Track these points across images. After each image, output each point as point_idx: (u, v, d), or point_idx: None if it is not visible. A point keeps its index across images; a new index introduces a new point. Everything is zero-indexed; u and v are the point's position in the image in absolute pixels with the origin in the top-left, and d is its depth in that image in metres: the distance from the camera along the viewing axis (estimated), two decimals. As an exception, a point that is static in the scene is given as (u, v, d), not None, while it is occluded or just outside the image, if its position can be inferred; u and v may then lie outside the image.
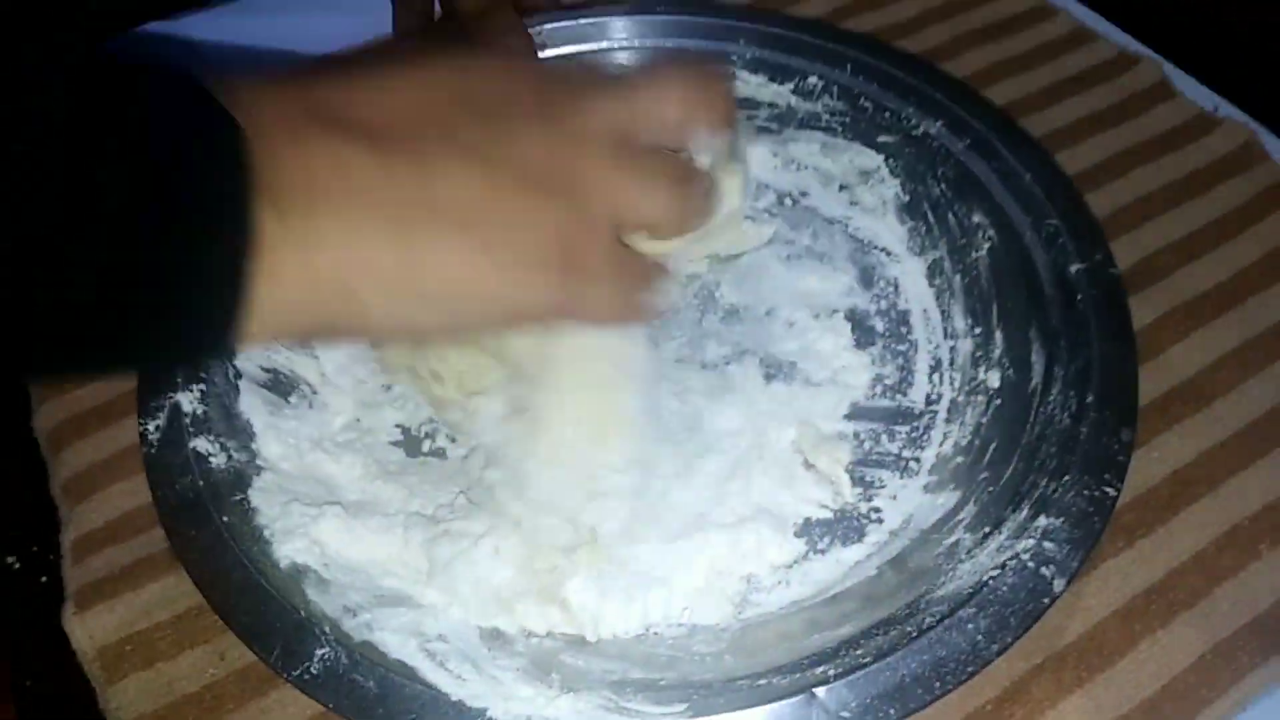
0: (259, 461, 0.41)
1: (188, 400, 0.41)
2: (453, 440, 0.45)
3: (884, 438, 0.44)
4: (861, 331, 0.48)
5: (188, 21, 0.63)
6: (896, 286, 0.49)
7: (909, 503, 0.42)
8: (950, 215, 0.48)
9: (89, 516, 0.43)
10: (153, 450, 0.39)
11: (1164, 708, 0.37)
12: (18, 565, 0.44)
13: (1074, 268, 0.42)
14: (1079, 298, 0.41)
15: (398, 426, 0.46)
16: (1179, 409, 0.44)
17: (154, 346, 0.29)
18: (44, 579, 0.43)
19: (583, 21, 0.54)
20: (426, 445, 0.45)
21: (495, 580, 0.39)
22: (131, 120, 0.26)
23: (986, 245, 0.46)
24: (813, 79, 0.51)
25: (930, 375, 0.46)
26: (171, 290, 0.26)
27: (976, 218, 0.47)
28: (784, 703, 0.32)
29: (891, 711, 0.32)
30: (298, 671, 0.33)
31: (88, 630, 0.39)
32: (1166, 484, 0.42)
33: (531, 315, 0.34)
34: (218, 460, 0.40)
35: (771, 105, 0.53)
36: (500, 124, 0.31)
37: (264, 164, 0.27)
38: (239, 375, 0.43)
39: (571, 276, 0.32)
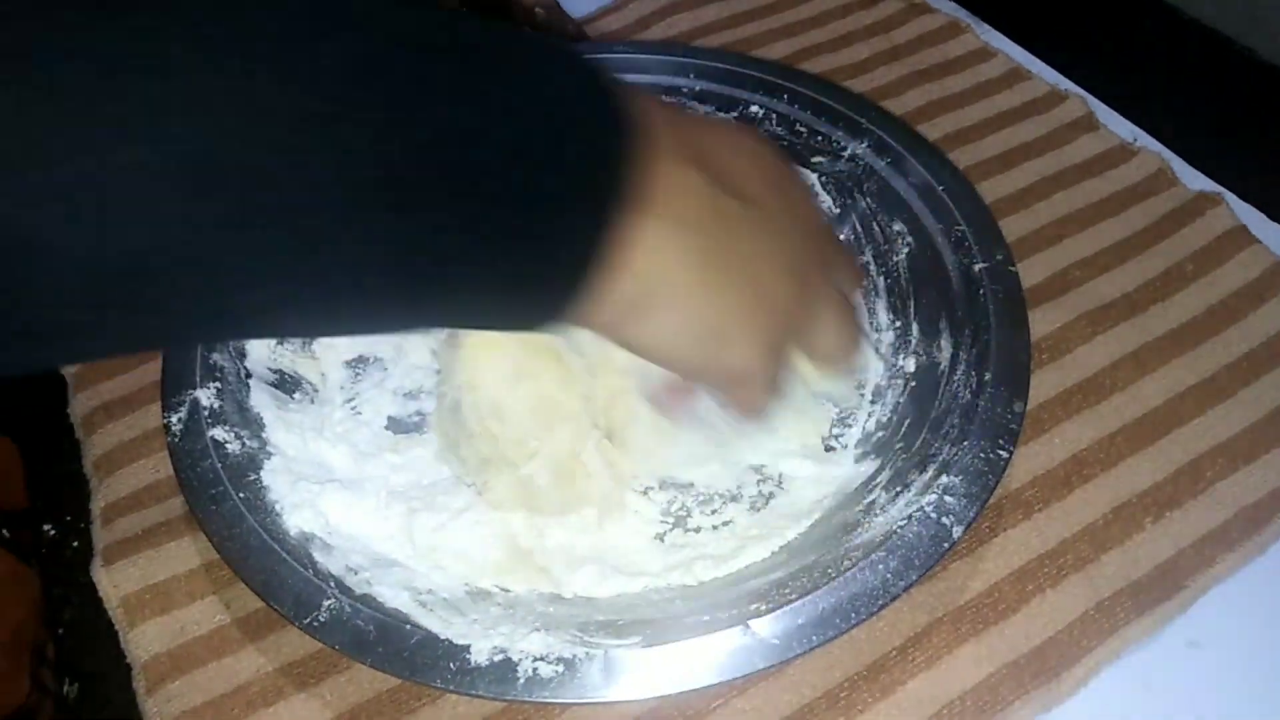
0: (269, 448, 0.46)
1: (205, 396, 0.46)
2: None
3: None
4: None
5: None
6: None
7: (838, 472, 0.47)
8: (874, 224, 0.54)
9: (116, 488, 0.49)
10: (176, 439, 0.45)
11: (1049, 655, 0.42)
12: (53, 532, 0.50)
13: (978, 266, 0.48)
14: (981, 292, 0.47)
15: (389, 417, 0.51)
16: (1079, 401, 0.50)
17: (499, 301, 0.29)
18: (76, 544, 0.49)
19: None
20: (414, 433, 0.50)
21: (475, 553, 0.44)
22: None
23: (905, 250, 0.52)
24: (754, 108, 0.57)
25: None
26: (533, 243, 0.27)
27: (897, 226, 0.53)
28: (723, 633, 0.37)
29: (814, 637, 0.37)
30: (307, 620, 0.38)
31: (113, 581, 0.45)
32: (1064, 466, 0.47)
33: (752, 370, 0.34)
34: (233, 447, 0.45)
35: (718, 133, 0.59)
36: (786, 213, 0.35)
37: (643, 166, 0.28)
38: (249, 375, 0.49)
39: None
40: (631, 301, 0.30)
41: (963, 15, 0.72)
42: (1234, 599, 0.43)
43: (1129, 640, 0.42)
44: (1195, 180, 0.60)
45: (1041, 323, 0.52)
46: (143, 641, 0.44)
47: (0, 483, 0.53)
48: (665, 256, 0.30)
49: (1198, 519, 0.45)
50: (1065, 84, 0.66)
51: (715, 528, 0.46)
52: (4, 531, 0.51)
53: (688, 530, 0.46)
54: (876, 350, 0.48)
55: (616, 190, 0.28)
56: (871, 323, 0.53)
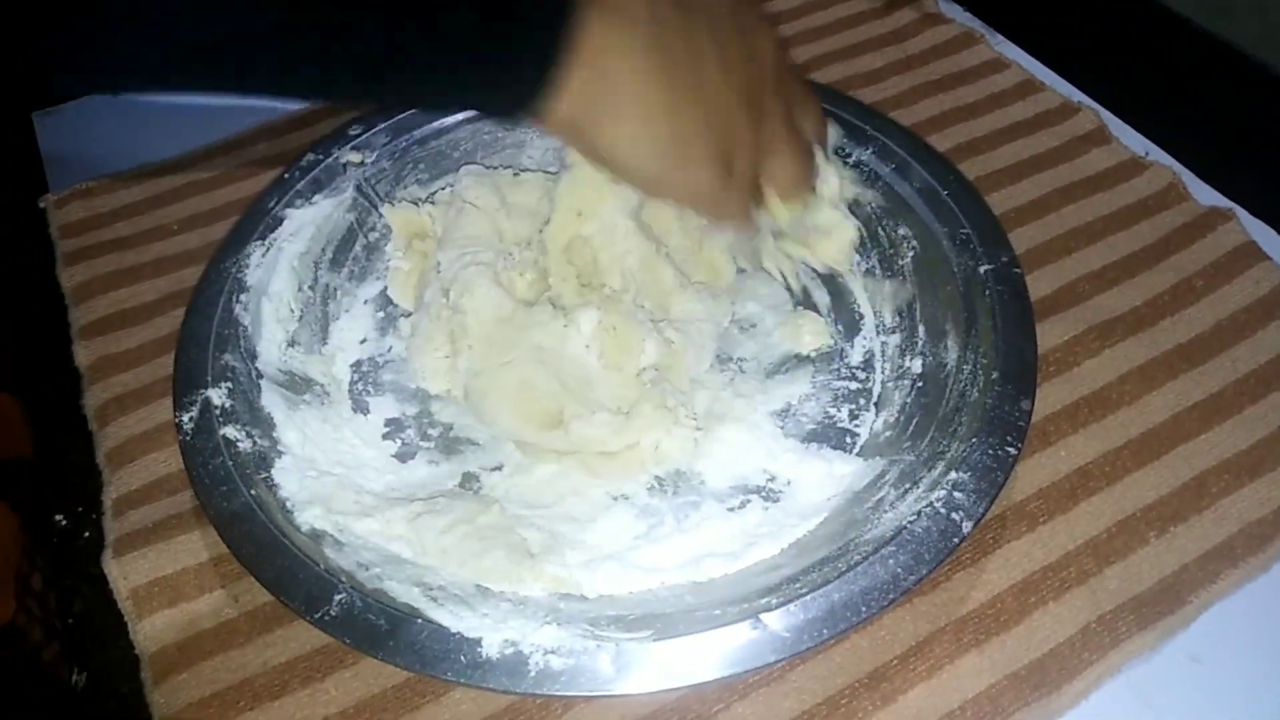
0: (280, 447, 0.46)
1: (217, 395, 0.46)
2: (442, 432, 0.51)
3: (825, 423, 0.50)
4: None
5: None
6: (837, 292, 0.56)
7: (847, 471, 0.47)
8: (880, 229, 0.54)
9: (128, 480, 0.50)
10: (187, 437, 0.45)
11: (1050, 667, 0.42)
12: (64, 522, 0.50)
13: (983, 268, 0.48)
14: (987, 293, 0.47)
15: (394, 419, 0.52)
16: (1086, 415, 0.50)
17: (478, 78, 0.34)
18: (87, 534, 0.49)
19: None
20: (415, 436, 0.51)
21: (485, 559, 0.43)
22: None
23: (910, 253, 0.52)
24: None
25: (865, 367, 0.52)
26: (500, 35, 0.32)
27: (902, 230, 0.53)
28: (734, 626, 0.37)
29: (824, 631, 0.37)
30: (319, 614, 0.38)
31: (123, 572, 0.46)
32: (1069, 479, 0.48)
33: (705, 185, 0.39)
34: (244, 445, 0.45)
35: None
36: (742, 42, 0.38)
37: None
38: (261, 375, 0.49)
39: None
40: (591, 99, 0.34)
41: (977, 26, 0.72)
42: (1237, 615, 0.43)
43: (1130, 654, 0.42)
44: (1206, 195, 0.60)
45: (1049, 335, 0.52)
46: (151, 633, 0.44)
47: (4, 434, 0.54)
48: (618, 55, 0.34)
49: (1202, 534, 0.45)
50: (1078, 96, 0.67)
51: (725, 523, 0.46)
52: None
53: (696, 526, 0.46)
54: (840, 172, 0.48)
55: None
56: (878, 325, 0.53)
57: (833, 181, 0.47)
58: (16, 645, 0.47)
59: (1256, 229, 0.58)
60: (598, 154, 0.37)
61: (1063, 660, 0.42)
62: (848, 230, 0.49)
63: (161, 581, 0.45)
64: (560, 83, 0.34)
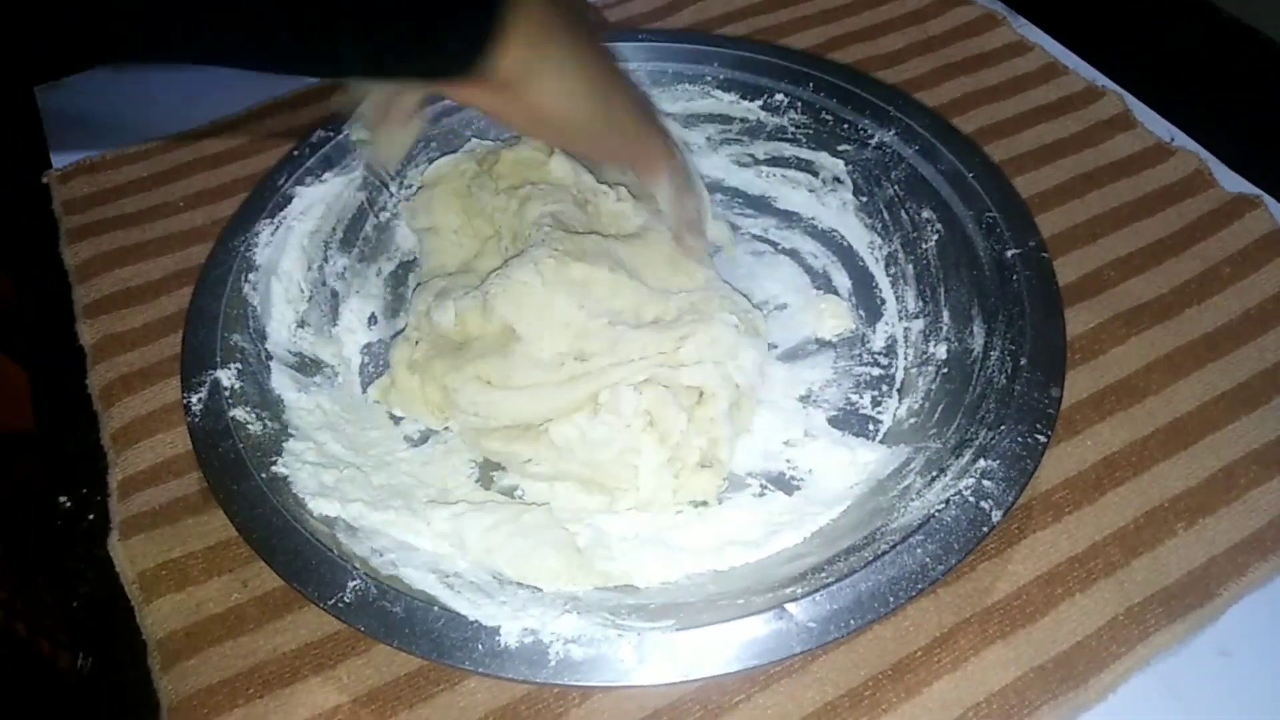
0: (290, 430, 0.45)
1: (226, 376, 0.45)
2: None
3: (846, 409, 0.49)
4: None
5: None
6: (859, 276, 0.55)
7: (871, 458, 0.46)
8: (903, 212, 0.53)
9: (134, 461, 0.49)
10: (196, 419, 0.44)
11: (1077, 660, 0.41)
12: (69, 504, 0.49)
13: (1010, 252, 0.47)
14: (1014, 278, 0.46)
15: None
16: (1112, 404, 0.49)
17: (418, 50, 0.34)
18: (91, 516, 0.48)
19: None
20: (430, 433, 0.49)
21: (532, 559, 0.41)
22: None
23: (934, 237, 0.51)
24: (779, 96, 0.57)
25: (887, 352, 0.51)
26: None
27: (925, 213, 0.52)
28: (760, 616, 0.36)
29: (852, 621, 0.36)
30: (332, 601, 0.37)
31: (130, 556, 0.45)
32: (1095, 468, 0.47)
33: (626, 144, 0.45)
34: (254, 428, 0.44)
35: (743, 120, 0.58)
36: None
37: None
38: (270, 357, 0.48)
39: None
40: (526, 61, 0.36)
41: (999, 8, 0.71)
42: (1266, 608, 0.43)
43: (1158, 647, 0.41)
44: (1233, 182, 0.59)
45: (1075, 322, 0.51)
46: (159, 618, 0.43)
47: (9, 405, 0.53)
48: (546, 24, 0.36)
49: (1230, 526, 0.45)
50: (1102, 80, 0.65)
51: (746, 510, 0.45)
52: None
53: (716, 514, 0.45)
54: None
55: None
56: (900, 310, 0.52)
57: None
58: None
59: (1285, 217, 0.56)
60: (540, 112, 0.39)
61: (1090, 653, 0.41)
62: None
63: (169, 565, 0.45)
64: (505, 38, 0.35)
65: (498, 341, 0.47)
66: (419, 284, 0.53)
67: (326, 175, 0.54)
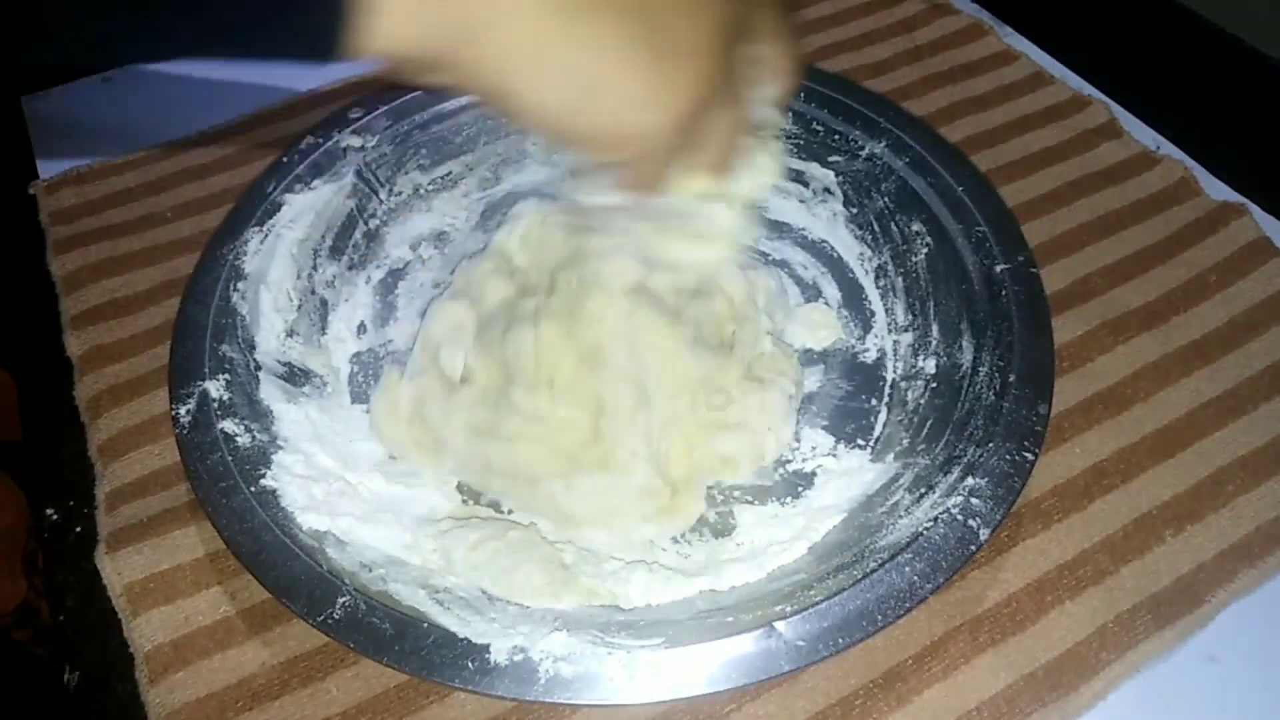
0: (279, 442, 0.45)
1: (215, 388, 0.45)
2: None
3: (835, 421, 0.49)
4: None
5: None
6: (849, 289, 0.55)
7: (858, 474, 0.46)
8: (892, 225, 0.53)
9: (121, 473, 0.48)
10: (184, 431, 0.43)
11: (1067, 667, 0.41)
12: (56, 516, 0.49)
13: (999, 267, 0.47)
14: (1003, 293, 0.46)
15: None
16: (1100, 412, 0.49)
17: (268, 30, 0.26)
18: (79, 529, 0.48)
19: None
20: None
21: (517, 575, 0.41)
22: None
23: (924, 250, 0.51)
24: (769, 105, 0.56)
25: (875, 366, 0.51)
26: None
27: (915, 226, 0.52)
28: (748, 634, 0.36)
29: (840, 640, 0.36)
30: (321, 617, 0.37)
31: (117, 569, 0.44)
32: (1084, 476, 0.47)
33: (653, 128, 0.30)
34: (243, 440, 0.44)
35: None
36: None
37: None
38: (259, 367, 0.48)
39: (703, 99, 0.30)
40: (458, 36, 0.26)
41: (985, 17, 0.71)
42: (1254, 614, 0.43)
43: (1148, 654, 0.41)
44: (1219, 190, 0.59)
45: (1062, 331, 0.51)
46: (146, 631, 0.43)
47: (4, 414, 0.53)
48: None
49: (1218, 533, 0.45)
50: (1088, 89, 0.66)
51: (735, 529, 0.45)
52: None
53: (712, 533, 0.45)
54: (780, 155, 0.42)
55: None
56: (890, 323, 0.52)
57: (745, 183, 0.39)
58: (30, 622, 0.45)
59: (1270, 225, 0.57)
60: (477, 72, 0.28)
61: (1080, 660, 0.41)
62: (719, 247, 0.41)
63: (156, 578, 0.44)
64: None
65: (497, 390, 0.46)
66: (434, 300, 0.51)
67: (316, 182, 0.54)
